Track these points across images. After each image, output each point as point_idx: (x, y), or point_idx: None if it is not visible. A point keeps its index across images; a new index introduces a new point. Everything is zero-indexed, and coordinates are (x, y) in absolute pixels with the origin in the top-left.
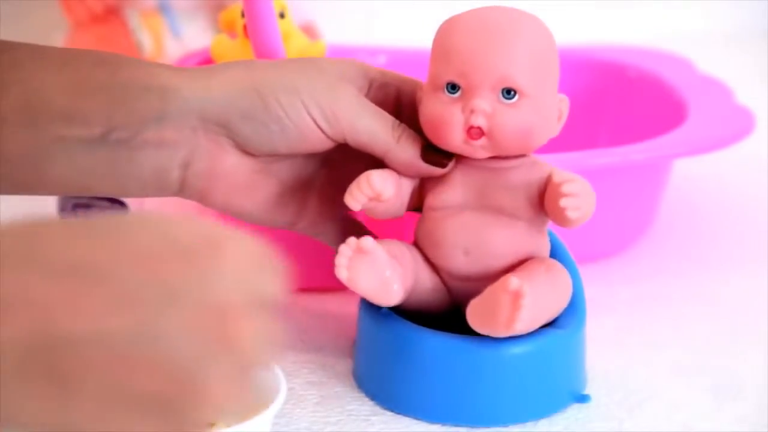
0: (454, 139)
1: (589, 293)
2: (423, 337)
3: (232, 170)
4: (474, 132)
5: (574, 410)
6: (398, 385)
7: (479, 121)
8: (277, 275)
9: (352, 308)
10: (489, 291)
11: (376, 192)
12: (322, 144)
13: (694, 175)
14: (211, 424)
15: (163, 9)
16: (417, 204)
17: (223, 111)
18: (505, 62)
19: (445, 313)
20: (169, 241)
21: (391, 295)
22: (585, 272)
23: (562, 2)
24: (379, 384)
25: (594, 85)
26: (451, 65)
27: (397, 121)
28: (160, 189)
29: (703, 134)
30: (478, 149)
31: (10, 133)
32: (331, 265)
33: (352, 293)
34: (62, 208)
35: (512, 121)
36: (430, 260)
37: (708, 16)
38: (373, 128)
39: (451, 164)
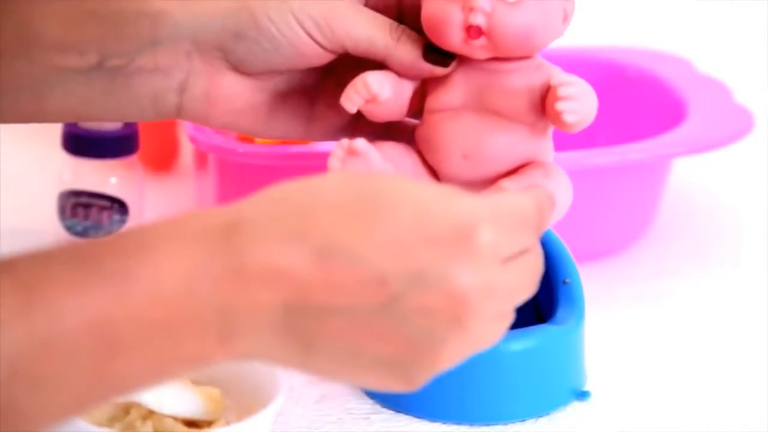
0: (453, 38)
1: (589, 292)
2: None
3: (230, 92)
4: (473, 31)
5: (574, 407)
6: None
7: (478, 19)
8: (533, 237)
9: None
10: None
11: (371, 93)
12: (320, 57)
13: (694, 175)
14: (211, 423)
15: None
16: (419, 107)
17: (215, 33)
18: None
19: None
20: (422, 227)
21: None
22: (585, 271)
23: None
24: None
25: (593, 84)
26: None
27: (395, 23)
28: (158, 114)
29: (703, 133)
30: (478, 49)
31: (7, 65)
32: None
33: None
34: (62, 209)
35: (513, 21)
36: (430, 165)
37: (707, 15)
38: (371, 33)
39: (452, 65)
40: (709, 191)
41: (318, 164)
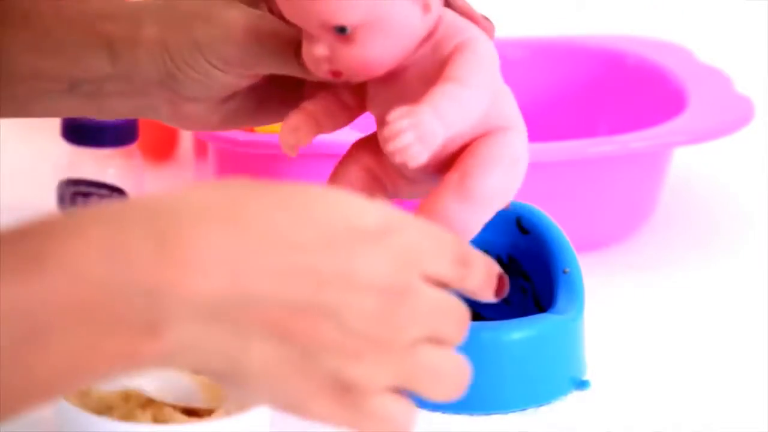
0: (324, 75)
1: (589, 282)
2: None
3: (195, 112)
4: (332, 74)
5: (574, 397)
6: None
7: (326, 66)
8: (446, 260)
9: None
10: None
11: (292, 143)
12: (246, 82)
13: (694, 164)
14: (210, 412)
15: None
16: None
17: (156, 72)
18: (321, 4)
19: None
20: (349, 222)
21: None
22: (585, 261)
23: None
24: None
25: (594, 74)
26: (284, 10)
27: (298, 42)
28: (143, 116)
29: (703, 123)
30: (350, 79)
31: None
32: None
33: None
34: (61, 198)
35: (353, 57)
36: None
37: (708, 4)
38: (276, 63)
39: None
40: (710, 181)
41: (317, 153)
